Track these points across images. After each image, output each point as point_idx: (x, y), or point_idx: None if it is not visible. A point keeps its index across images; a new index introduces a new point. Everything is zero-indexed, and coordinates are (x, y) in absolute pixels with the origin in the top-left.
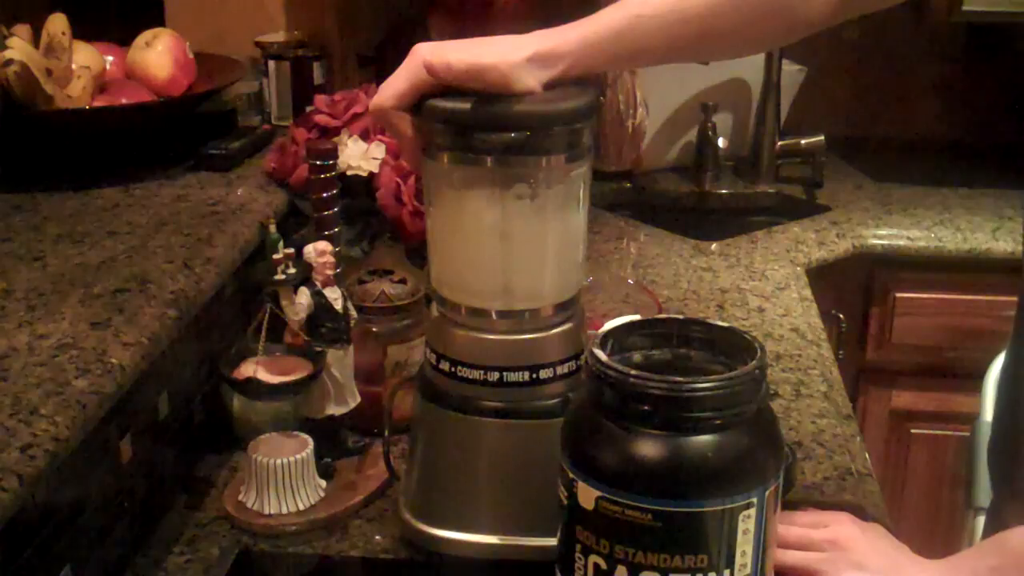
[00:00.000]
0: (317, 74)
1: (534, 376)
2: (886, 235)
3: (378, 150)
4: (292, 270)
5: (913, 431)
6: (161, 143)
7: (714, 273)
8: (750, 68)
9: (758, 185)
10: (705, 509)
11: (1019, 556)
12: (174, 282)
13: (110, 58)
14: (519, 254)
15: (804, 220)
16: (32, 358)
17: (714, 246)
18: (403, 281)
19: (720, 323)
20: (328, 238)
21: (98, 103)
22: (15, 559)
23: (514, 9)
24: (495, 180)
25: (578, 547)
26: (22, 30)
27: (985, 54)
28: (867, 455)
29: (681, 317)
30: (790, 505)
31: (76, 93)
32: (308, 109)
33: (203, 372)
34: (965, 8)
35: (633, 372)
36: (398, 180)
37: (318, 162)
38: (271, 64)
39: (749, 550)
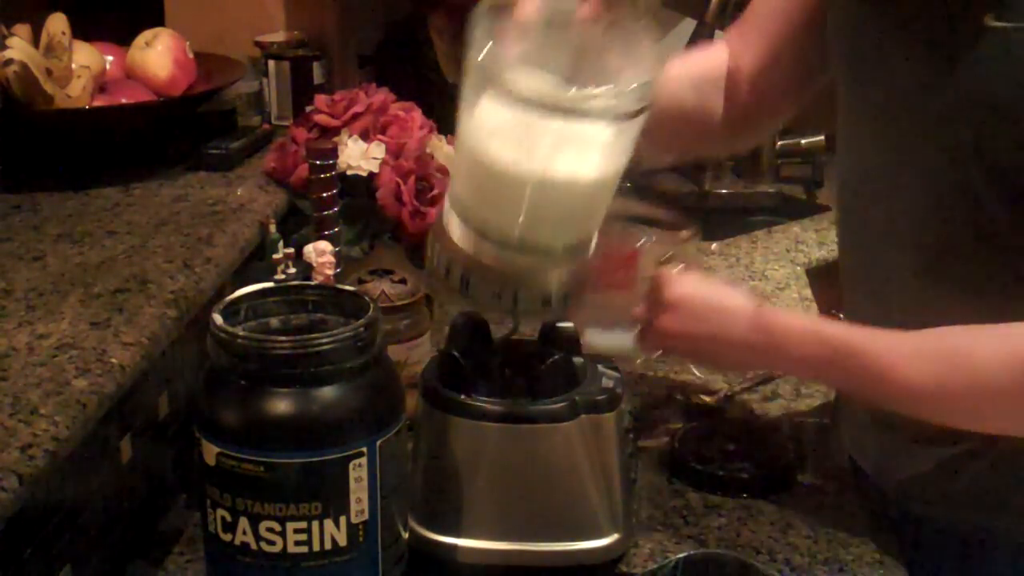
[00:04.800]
0: (317, 74)
1: None
2: None
3: (378, 150)
4: (292, 270)
5: None
6: (161, 143)
7: (714, 273)
8: None
9: (758, 185)
10: (313, 460)
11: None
12: (174, 282)
13: (110, 58)
14: (549, 201)
15: (804, 220)
16: (32, 358)
17: (714, 246)
18: (403, 281)
19: (345, 287)
20: (328, 238)
21: (98, 103)
22: (15, 559)
23: None
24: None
25: (208, 503)
26: (22, 30)
27: None
28: None
29: (312, 283)
30: None
31: (76, 93)
32: (308, 109)
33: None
34: None
35: (241, 334)
36: (398, 180)
37: (318, 162)
38: (271, 64)
39: (365, 496)
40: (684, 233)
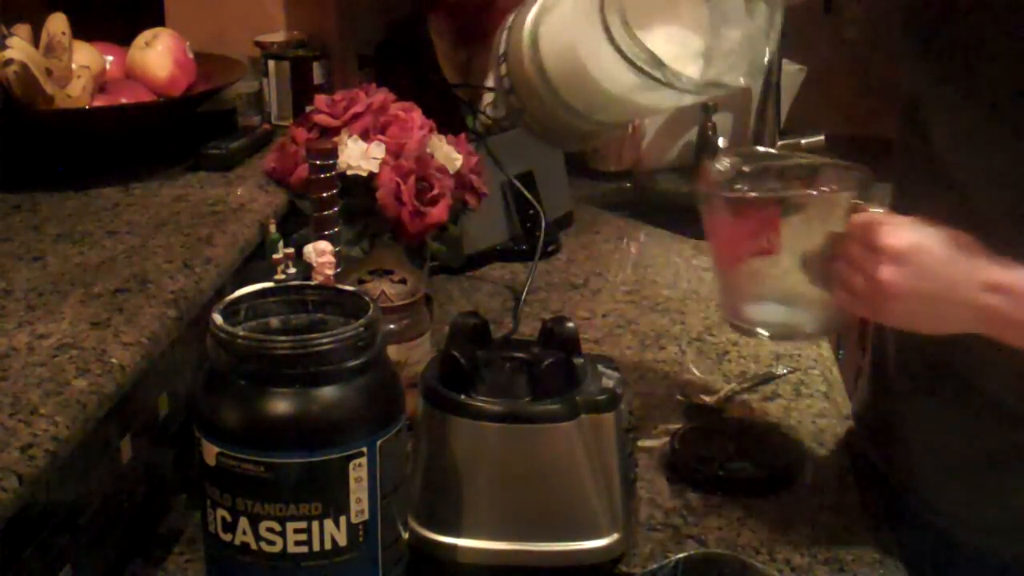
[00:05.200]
0: (317, 74)
1: None
2: None
3: (378, 150)
4: (292, 270)
5: None
6: (161, 143)
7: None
8: None
9: None
10: (313, 460)
11: None
12: (174, 282)
13: (110, 58)
14: (624, 107)
15: None
16: (32, 358)
17: None
18: (403, 281)
19: (345, 287)
20: (328, 238)
21: (98, 103)
22: (15, 559)
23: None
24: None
25: (208, 503)
26: (22, 30)
27: None
28: None
29: (312, 283)
30: None
31: (76, 93)
32: (308, 109)
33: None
34: None
35: (241, 334)
36: (398, 180)
37: (318, 162)
38: (271, 64)
39: (364, 496)
40: (858, 176)
